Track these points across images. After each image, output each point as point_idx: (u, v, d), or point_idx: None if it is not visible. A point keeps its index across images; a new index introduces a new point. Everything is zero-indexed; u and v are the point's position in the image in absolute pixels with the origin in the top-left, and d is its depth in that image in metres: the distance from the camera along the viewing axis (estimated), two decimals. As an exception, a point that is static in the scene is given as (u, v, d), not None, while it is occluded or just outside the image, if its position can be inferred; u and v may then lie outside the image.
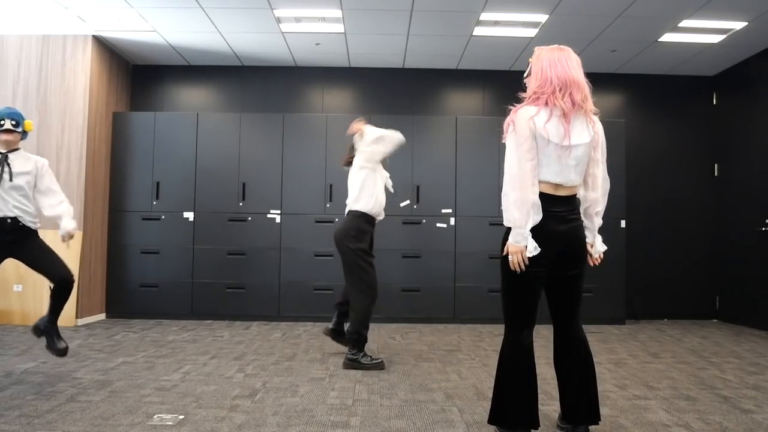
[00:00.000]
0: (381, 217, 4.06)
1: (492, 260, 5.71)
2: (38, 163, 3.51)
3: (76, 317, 5.47)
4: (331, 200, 5.97)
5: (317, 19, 5.33)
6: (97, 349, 4.39)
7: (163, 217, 6.01)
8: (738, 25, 5.25)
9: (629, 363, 4.19)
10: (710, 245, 6.59)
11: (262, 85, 6.68)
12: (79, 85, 5.68)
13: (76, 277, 3.58)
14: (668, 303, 6.50)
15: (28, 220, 3.42)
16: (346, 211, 4.01)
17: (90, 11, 5.18)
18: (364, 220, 3.93)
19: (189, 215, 6.01)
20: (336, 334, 4.25)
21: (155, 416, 2.79)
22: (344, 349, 4.15)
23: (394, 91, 6.67)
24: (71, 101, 5.66)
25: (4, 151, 3.43)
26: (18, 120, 3.47)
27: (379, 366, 3.86)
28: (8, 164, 3.40)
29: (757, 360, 4.35)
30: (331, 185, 5.97)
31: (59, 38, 5.70)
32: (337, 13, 5.18)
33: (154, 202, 6.02)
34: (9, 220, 3.36)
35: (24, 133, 3.54)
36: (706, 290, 6.55)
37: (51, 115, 5.64)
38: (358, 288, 3.87)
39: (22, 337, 4.84)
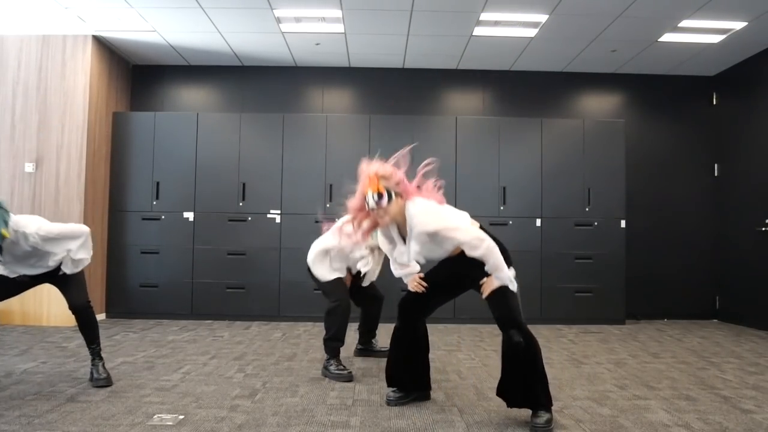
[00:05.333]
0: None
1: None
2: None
3: (76, 317, 5.47)
4: (331, 200, 5.97)
5: (317, 19, 5.33)
6: (97, 349, 4.39)
7: (163, 217, 6.01)
8: (738, 25, 5.26)
9: (629, 363, 4.19)
10: (710, 245, 6.59)
11: (262, 85, 6.68)
12: (79, 85, 5.68)
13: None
14: (668, 303, 6.50)
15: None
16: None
17: (90, 11, 5.18)
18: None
19: (189, 215, 6.01)
20: (364, 351, 4.27)
21: (155, 416, 2.79)
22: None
23: (394, 91, 6.67)
24: (71, 101, 5.66)
25: None
26: None
27: (346, 378, 3.57)
28: None
29: (757, 360, 4.35)
30: (330, 185, 5.97)
31: (59, 38, 5.69)
32: (337, 13, 5.18)
33: (154, 202, 6.02)
34: None
35: None
36: (706, 290, 6.55)
37: (51, 115, 5.64)
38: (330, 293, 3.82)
39: (22, 337, 4.84)
